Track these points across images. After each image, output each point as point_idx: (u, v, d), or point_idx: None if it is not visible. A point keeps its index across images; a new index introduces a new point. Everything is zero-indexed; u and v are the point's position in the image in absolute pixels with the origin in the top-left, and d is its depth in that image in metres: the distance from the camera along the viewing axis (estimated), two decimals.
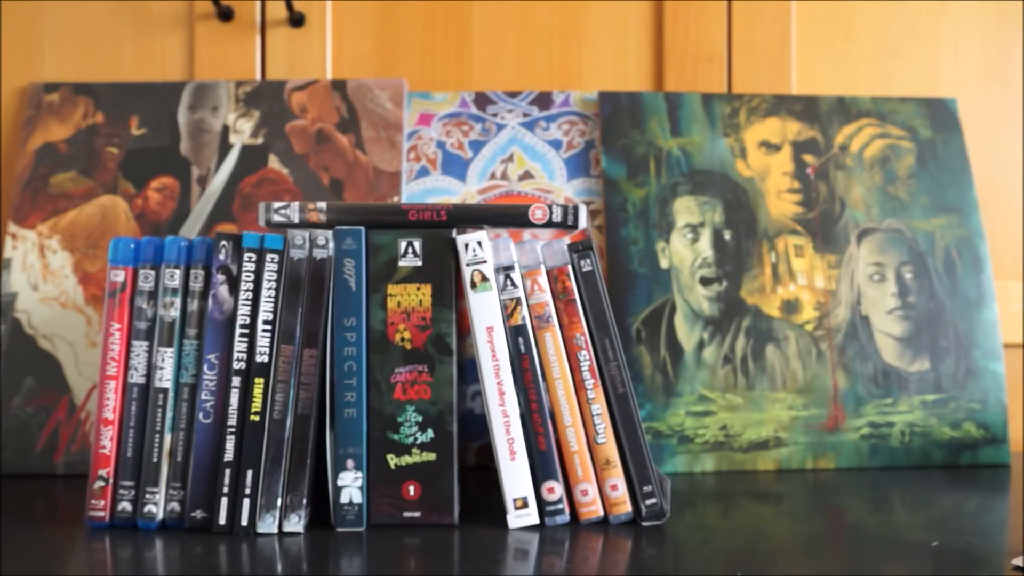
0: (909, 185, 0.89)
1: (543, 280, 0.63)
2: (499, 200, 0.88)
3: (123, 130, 0.89)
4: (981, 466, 0.83)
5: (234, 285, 0.62)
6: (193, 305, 0.62)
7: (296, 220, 0.63)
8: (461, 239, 0.62)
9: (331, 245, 0.62)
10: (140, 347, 0.62)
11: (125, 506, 0.61)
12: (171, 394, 0.62)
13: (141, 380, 0.62)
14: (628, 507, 0.62)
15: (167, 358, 0.62)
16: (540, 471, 0.62)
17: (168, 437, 0.62)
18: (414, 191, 0.88)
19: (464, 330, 0.68)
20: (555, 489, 0.62)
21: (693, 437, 0.82)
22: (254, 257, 0.62)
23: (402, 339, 0.62)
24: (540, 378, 0.62)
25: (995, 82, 0.96)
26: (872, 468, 0.82)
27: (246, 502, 0.60)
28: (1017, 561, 0.53)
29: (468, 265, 0.62)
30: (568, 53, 0.95)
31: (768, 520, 0.65)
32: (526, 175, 0.89)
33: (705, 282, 0.85)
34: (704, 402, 0.82)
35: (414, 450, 0.62)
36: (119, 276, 0.63)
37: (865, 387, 0.84)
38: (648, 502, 0.62)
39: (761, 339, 0.84)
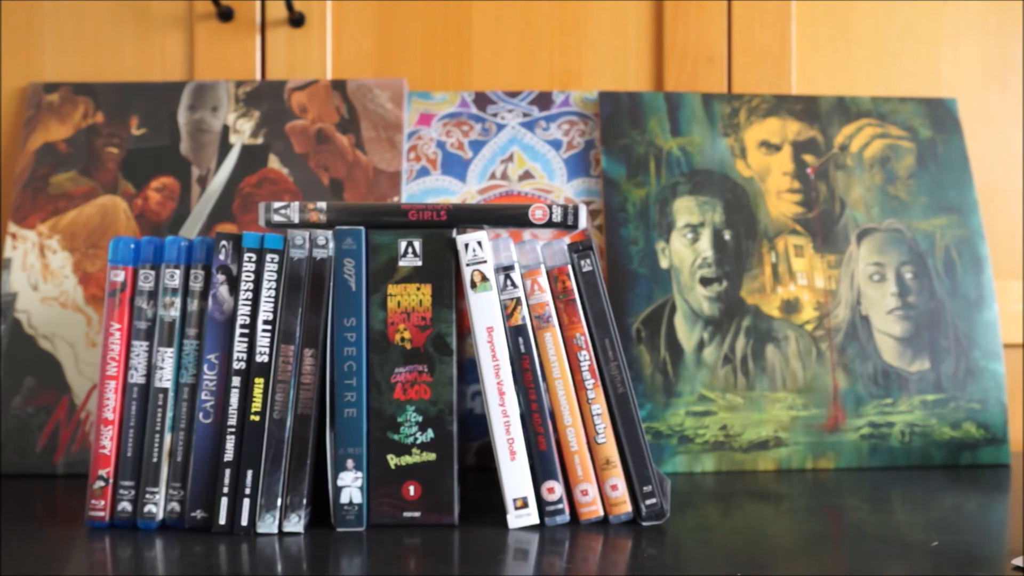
0: (909, 185, 0.89)
1: (543, 280, 0.63)
2: (499, 200, 0.88)
3: (123, 130, 0.89)
4: (981, 466, 0.83)
5: (234, 285, 0.62)
6: (193, 305, 0.62)
7: (296, 220, 0.64)
8: (461, 239, 0.62)
9: (331, 245, 0.62)
10: (140, 347, 0.62)
11: (125, 506, 0.61)
12: (171, 394, 0.62)
13: (141, 380, 0.62)
14: (628, 507, 0.62)
15: (167, 358, 0.62)
16: (540, 471, 0.62)
17: (168, 437, 0.62)
18: (414, 191, 0.88)
19: (464, 330, 0.68)
20: (555, 489, 0.62)
21: (693, 437, 0.82)
22: (254, 257, 0.62)
23: (402, 339, 0.62)
24: (540, 378, 0.62)
25: (995, 82, 0.96)
26: (872, 468, 0.82)
27: (246, 502, 0.60)
28: (1017, 561, 0.53)
29: (468, 265, 0.62)
30: (568, 53, 0.95)
31: (768, 520, 0.65)
32: (526, 175, 0.89)
33: (705, 282, 0.85)
34: (704, 402, 0.82)
35: (414, 450, 0.62)
36: (119, 276, 0.63)
37: (865, 387, 0.84)
38: (648, 502, 0.62)
39: (761, 339, 0.84)
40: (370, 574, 0.52)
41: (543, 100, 0.91)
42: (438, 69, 0.94)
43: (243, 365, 0.61)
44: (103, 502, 0.61)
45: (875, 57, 0.96)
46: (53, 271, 0.84)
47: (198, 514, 0.61)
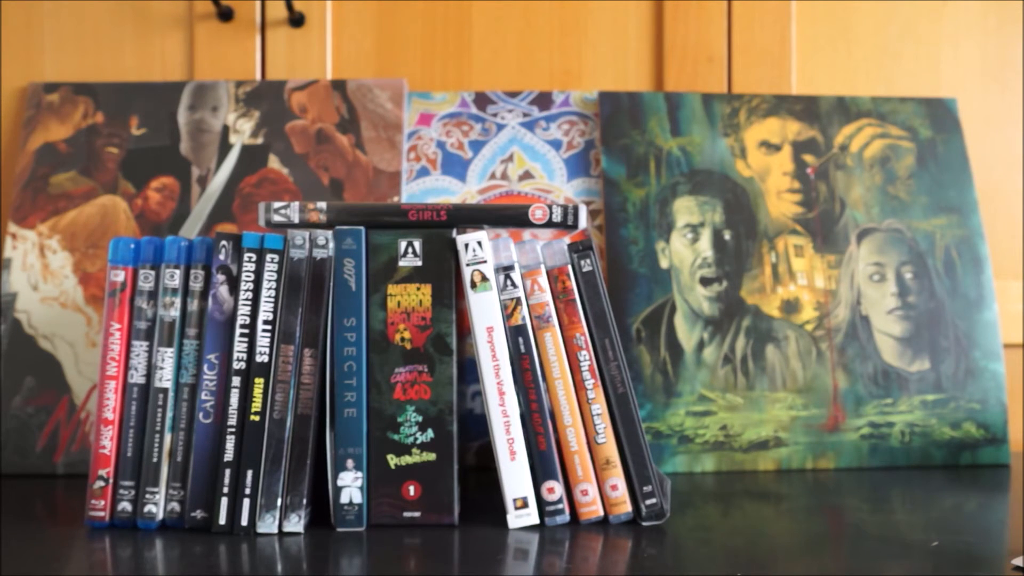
0: (909, 185, 0.89)
1: (543, 280, 0.63)
2: (499, 200, 0.88)
3: (123, 130, 0.89)
4: (981, 466, 0.83)
5: (234, 285, 0.62)
6: (193, 305, 0.62)
7: (296, 220, 0.64)
8: (461, 239, 0.62)
9: (331, 245, 0.62)
10: (140, 347, 0.62)
11: (125, 506, 0.61)
12: (171, 394, 0.62)
13: (141, 380, 0.62)
14: (628, 507, 0.62)
15: (167, 358, 0.62)
16: (540, 471, 0.62)
17: (168, 437, 0.62)
18: (414, 191, 0.88)
19: (464, 330, 0.68)
20: (555, 489, 0.62)
21: (693, 437, 0.82)
22: (254, 257, 0.62)
23: (402, 339, 0.62)
24: (540, 378, 0.62)
25: (995, 82, 0.96)
26: (872, 468, 0.82)
27: (246, 502, 0.60)
28: (1017, 561, 0.53)
29: (468, 265, 0.62)
30: (568, 53, 0.95)
31: (768, 520, 0.65)
32: (526, 175, 0.89)
33: (705, 282, 0.85)
34: (704, 402, 0.82)
35: (414, 450, 0.62)
36: (119, 276, 0.63)
37: (865, 387, 0.84)
38: (648, 502, 0.62)
39: (761, 339, 0.84)
40: (370, 574, 0.52)
41: (543, 100, 0.91)
42: (438, 69, 0.94)
43: (243, 365, 0.61)
44: (103, 502, 0.61)
45: (875, 57, 0.96)
46: (53, 271, 0.84)
47: (198, 514, 0.61)
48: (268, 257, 0.62)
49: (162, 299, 0.63)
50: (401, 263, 0.63)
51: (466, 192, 0.88)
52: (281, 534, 0.60)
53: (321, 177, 0.87)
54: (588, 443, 0.62)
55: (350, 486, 0.61)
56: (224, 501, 0.60)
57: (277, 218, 0.64)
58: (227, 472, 0.60)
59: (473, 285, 0.62)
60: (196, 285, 0.63)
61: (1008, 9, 0.96)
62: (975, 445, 0.84)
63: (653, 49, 0.95)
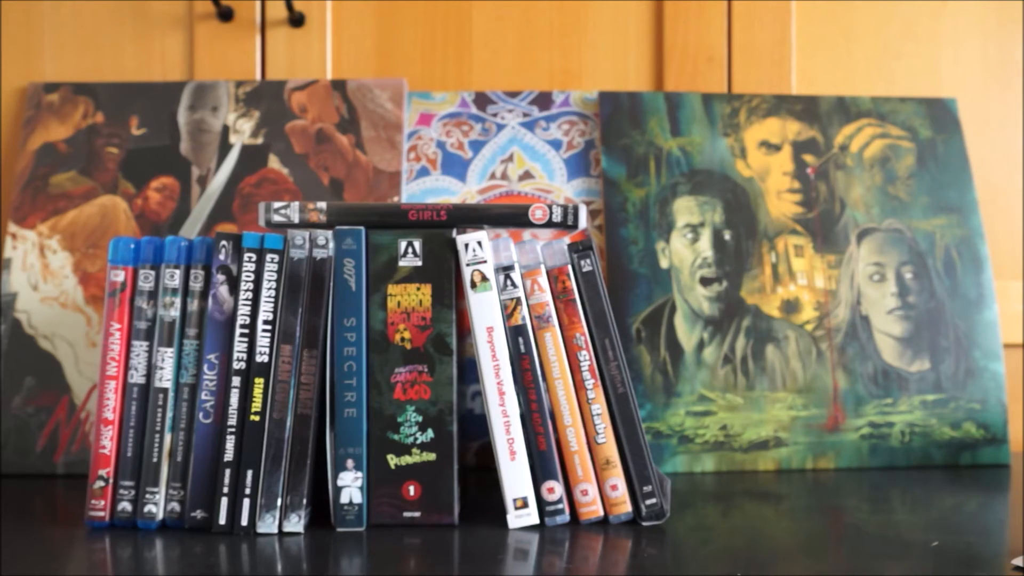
0: (909, 185, 0.89)
1: (543, 280, 0.63)
2: (499, 200, 0.88)
3: (123, 130, 0.89)
4: (981, 466, 0.83)
5: (234, 285, 0.62)
6: (193, 305, 0.63)
7: (296, 220, 0.64)
8: (461, 239, 0.62)
9: (331, 245, 0.62)
10: (140, 347, 0.62)
11: (125, 506, 0.61)
12: (171, 394, 0.62)
13: (141, 380, 0.62)
14: (628, 507, 0.62)
15: (167, 358, 0.62)
16: (540, 471, 0.62)
17: (168, 437, 0.62)
18: (414, 191, 0.88)
19: (464, 330, 0.68)
20: (555, 489, 0.62)
21: (693, 437, 0.82)
22: (254, 257, 0.62)
23: (402, 339, 0.62)
24: (540, 378, 0.62)
25: (995, 82, 0.96)
26: (872, 468, 0.82)
27: (246, 502, 0.60)
28: (1017, 561, 0.53)
29: (468, 265, 0.62)
30: (568, 53, 0.95)
31: (768, 520, 0.65)
32: (526, 175, 0.89)
33: (705, 282, 0.85)
34: (704, 402, 0.82)
35: (414, 450, 0.62)
36: (119, 276, 0.63)
37: (865, 387, 0.84)
38: (648, 502, 0.62)
39: (761, 339, 0.84)
40: (370, 574, 0.52)
41: (543, 100, 0.91)
42: (438, 69, 0.94)
43: (243, 365, 0.61)
44: (103, 502, 0.61)
45: (875, 57, 0.96)
46: (53, 271, 0.84)
47: (198, 514, 0.61)
48: (268, 257, 0.62)
49: (162, 299, 0.63)
50: (401, 263, 0.63)
51: (466, 192, 0.88)
52: (281, 534, 0.60)
53: (321, 177, 0.88)
54: (588, 443, 0.62)
55: (350, 486, 0.61)
56: (224, 501, 0.60)
57: (277, 218, 0.64)
58: (227, 472, 0.60)
59: (473, 285, 0.62)
60: (196, 285, 0.63)
61: (1008, 9, 0.96)
62: (975, 445, 0.84)
63: (653, 49, 0.95)
